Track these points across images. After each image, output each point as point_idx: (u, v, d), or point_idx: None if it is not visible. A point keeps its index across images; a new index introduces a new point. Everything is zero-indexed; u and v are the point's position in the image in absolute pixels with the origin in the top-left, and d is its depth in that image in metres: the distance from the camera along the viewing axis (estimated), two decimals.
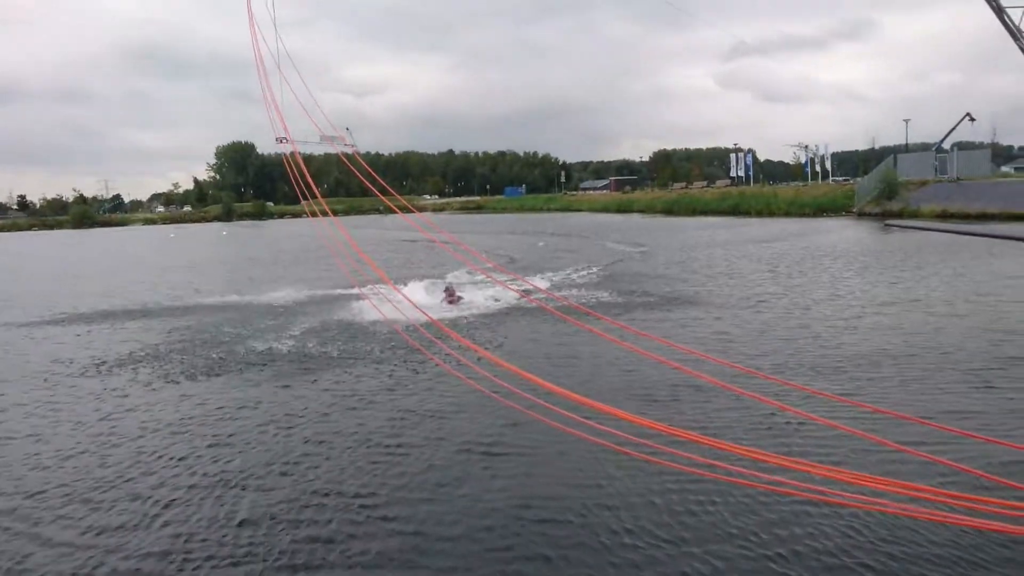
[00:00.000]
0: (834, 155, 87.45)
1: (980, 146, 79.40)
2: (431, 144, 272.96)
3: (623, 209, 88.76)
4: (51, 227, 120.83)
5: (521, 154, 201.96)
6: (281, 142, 8.88)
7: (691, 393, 9.67)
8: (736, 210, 67.09)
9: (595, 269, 26.58)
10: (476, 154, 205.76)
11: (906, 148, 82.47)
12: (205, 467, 7.99)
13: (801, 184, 78.81)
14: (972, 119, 66.94)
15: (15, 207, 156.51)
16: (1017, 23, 6.05)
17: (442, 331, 11.17)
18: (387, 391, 10.71)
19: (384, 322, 16.18)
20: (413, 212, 9.58)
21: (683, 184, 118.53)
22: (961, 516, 3.00)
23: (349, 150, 10.80)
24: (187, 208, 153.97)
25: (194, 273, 32.89)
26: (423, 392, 10.57)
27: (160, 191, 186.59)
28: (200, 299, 22.34)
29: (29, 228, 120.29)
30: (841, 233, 39.45)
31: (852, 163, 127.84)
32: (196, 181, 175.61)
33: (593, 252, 35.08)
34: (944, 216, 43.82)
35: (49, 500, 7.27)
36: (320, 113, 9.43)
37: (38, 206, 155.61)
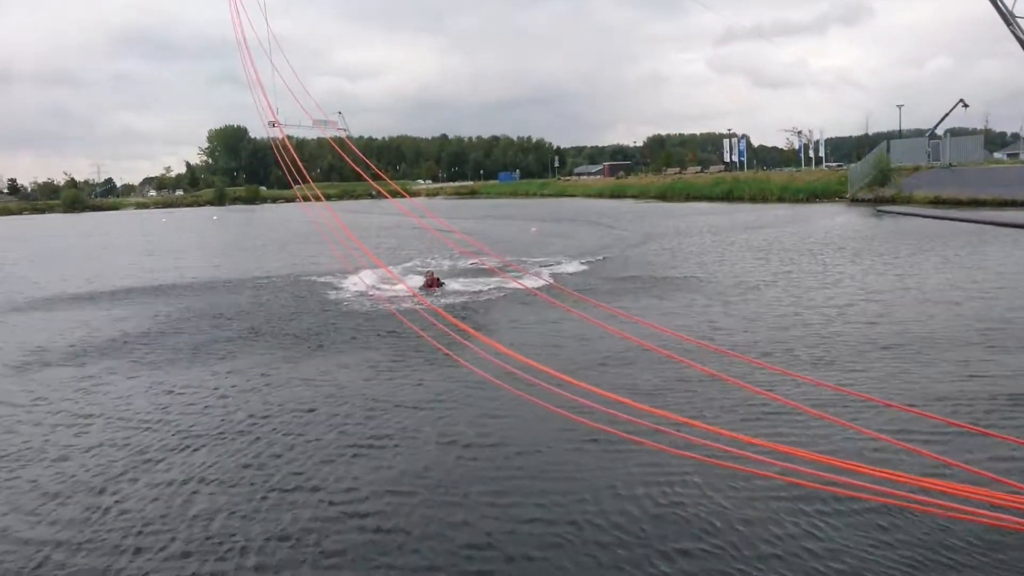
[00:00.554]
0: (828, 141, 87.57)
1: (973, 132, 79.23)
2: (425, 129, 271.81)
3: (617, 194, 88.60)
4: (42, 211, 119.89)
5: (515, 139, 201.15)
6: (273, 127, 8.80)
7: (679, 379, 9.72)
8: (730, 195, 67.13)
9: (587, 256, 26.59)
10: (470, 139, 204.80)
11: (899, 134, 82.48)
12: (173, 459, 7.93)
13: (794, 170, 78.81)
14: (966, 105, 66.99)
15: (6, 191, 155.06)
16: (1011, 7, 6.02)
17: (420, 317, 10.83)
18: (363, 381, 10.68)
19: (362, 308, 16.24)
20: (405, 197, 9.49)
21: (677, 169, 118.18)
22: (943, 501, 3.03)
23: (341, 135, 10.73)
24: (179, 192, 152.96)
25: (180, 258, 32.76)
26: (401, 380, 10.57)
27: (153, 175, 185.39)
28: (182, 281, 22.30)
29: (20, 212, 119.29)
30: (834, 219, 39.48)
31: (845, 149, 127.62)
32: (188, 165, 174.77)
33: (586, 237, 35.07)
34: (937, 202, 43.94)
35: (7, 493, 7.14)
36: (309, 98, 9.35)
37: (29, 190, 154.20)
